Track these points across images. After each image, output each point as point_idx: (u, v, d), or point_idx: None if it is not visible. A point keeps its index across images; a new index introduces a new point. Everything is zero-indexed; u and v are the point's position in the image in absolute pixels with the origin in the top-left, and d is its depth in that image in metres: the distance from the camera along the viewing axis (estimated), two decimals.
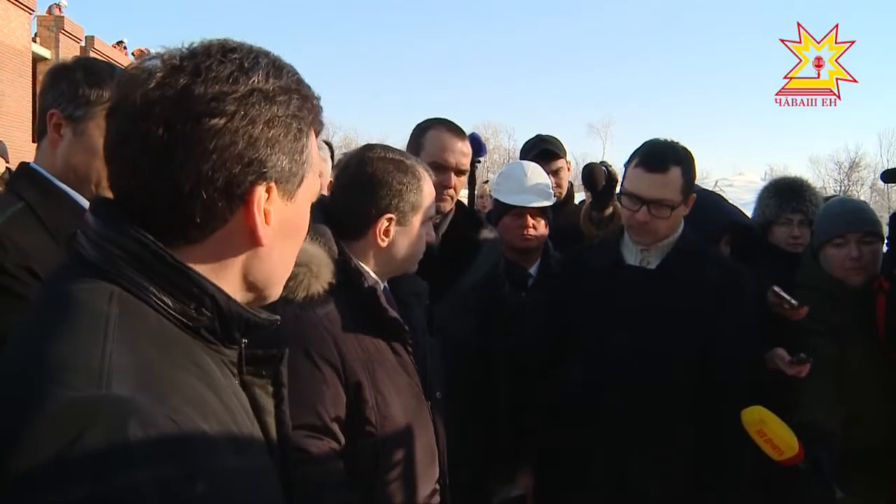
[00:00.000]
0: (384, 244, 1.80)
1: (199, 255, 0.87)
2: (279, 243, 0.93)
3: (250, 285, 0.93)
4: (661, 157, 2.31)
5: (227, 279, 0.90)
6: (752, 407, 2.02)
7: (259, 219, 0.87)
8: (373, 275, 1.81)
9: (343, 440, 1.69)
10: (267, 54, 0.90)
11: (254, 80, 0.86)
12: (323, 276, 1.65)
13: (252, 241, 0.89)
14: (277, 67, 0.90)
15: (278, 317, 0.98)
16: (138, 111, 0.83)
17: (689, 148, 2.41)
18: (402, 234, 1.82)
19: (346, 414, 1.69)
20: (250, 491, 0.79)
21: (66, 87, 1.74)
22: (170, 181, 0.82)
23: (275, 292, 0.98)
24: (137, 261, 0.83)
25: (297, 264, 1.55)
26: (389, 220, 1.78)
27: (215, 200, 0.84)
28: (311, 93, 0.94)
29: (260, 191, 0.87)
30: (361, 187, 1.78)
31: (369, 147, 1.89)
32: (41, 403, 0.68)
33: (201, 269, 0.87)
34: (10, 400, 0.71)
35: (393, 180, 1.78)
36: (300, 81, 0.92)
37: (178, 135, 0.82)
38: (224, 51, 0.87)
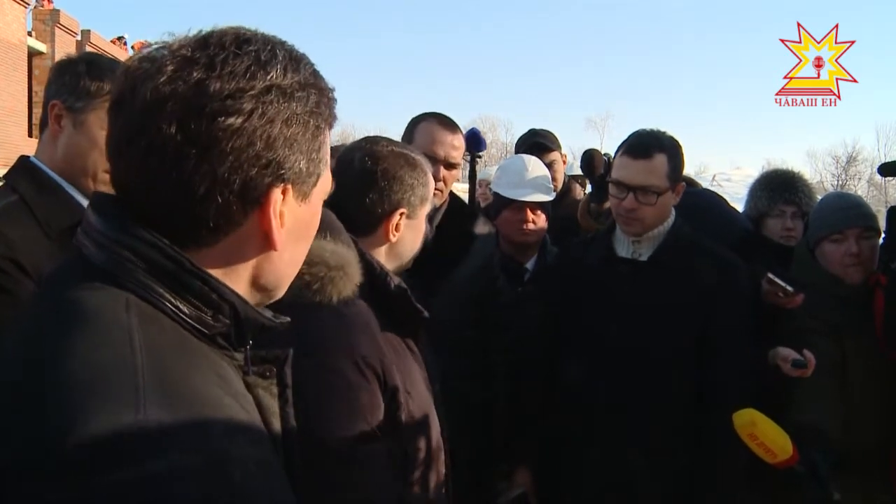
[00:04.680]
0: (394, 239, 1.78)
1: (209, 258, 0.83)
2: (291, 245, 0.90)
3: (260, 287, 0.91)
4: (645, 144, 2.34)
5: (238, 282, 0.87)
6: (742, 410, 1.97)
7: (275, 222, 0.84)
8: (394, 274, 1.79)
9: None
10: (283, 45, 0.86)
11: (272, 76, 0.82)
12: (354, 277, 1.62)
13: (266, 244, 0.86)
14: (294, 60, 0.85)
15: (288, 318, 0.95)
16: (148, 107, 0.78)
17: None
18: (410, 229, 1.81)
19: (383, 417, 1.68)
20: (276, 489, 0.79)
21: (69, 79, 1.77)
22: (182, 183, 0.78)
23: (281, 293, 0.95)
24: (152, 265, 0.79)
25: (331, 267, 1.55)
26: (402, 214, 1.77)
27: (230, 204, 0.80)
28: (327, 86, 0.90)
29: (276, 193, 0.83)
30: (374, 183, 1.75)
31: (373, 140, 1.84)
32: (82, 427, 0.65)
33: (213, 273, 0.83)
34: (38, 422, 0.67)
35: (405, 175, 1.76)
36: (316, 74, 0.88)
37: (192, 134, 0.77)
38: (239, 42, 0.82)
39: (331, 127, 0.91)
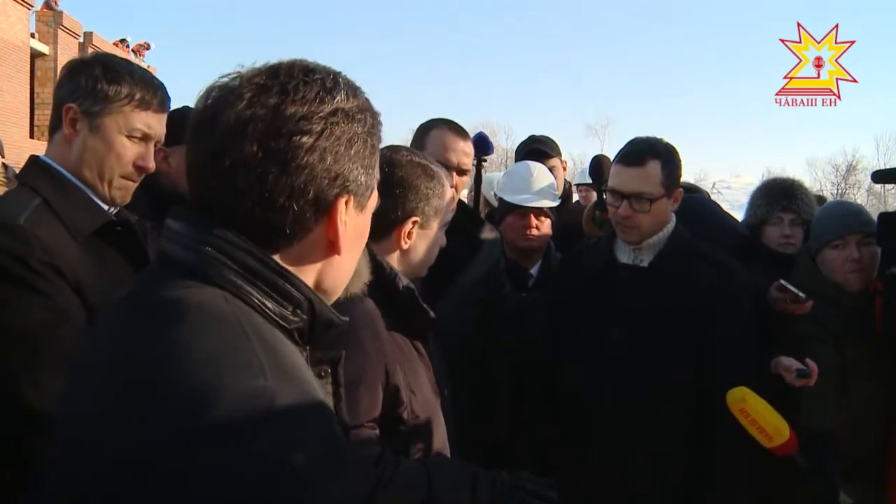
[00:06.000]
0: (405, 246, 1.82)
1: (284, 261, 0.94)
2: (348, 252, 1.01)
3: (322, 290, 1.01)
4: (638, 151, 2.37)
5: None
6: (736, 388, 1.97)
7: (341, 229, 0.96)
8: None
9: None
10: (340, 74, 0.99)
11: (337, 100, 0.94)
12: (363, 276, 1.67)
13: (331, 249, 0.98)
14: (352, 88, 0.98)
15: (347, 317, 1.05)
16: (231, 130, 0.89)
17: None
18: (422, 238, 1.85)
19: (382, 413, 1.70)
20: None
21: (85, 82, 1.74)
22: (264, 195, 0.89)
23: (336, 296, 1.06)
24: (240, 265, 0.90)
25: None
26: (414, 223, 1.81)
27: (304, 212, 0.92)
28: (376, 110, 1.02)
29: (342, 203, 0.95)
30: (390, 189, 1.77)
31: (395, 149, 1.88)
32: (222, 393, 0.76)
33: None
34: (178, 404, 0.76)
35: (421, 184, 1.80)
36: (369, 101, 1.01)
37: (273, 152, 0.89)
38: (306, 71, 0.94)
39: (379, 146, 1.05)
